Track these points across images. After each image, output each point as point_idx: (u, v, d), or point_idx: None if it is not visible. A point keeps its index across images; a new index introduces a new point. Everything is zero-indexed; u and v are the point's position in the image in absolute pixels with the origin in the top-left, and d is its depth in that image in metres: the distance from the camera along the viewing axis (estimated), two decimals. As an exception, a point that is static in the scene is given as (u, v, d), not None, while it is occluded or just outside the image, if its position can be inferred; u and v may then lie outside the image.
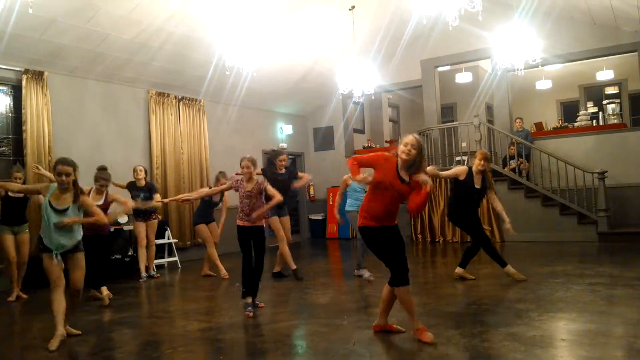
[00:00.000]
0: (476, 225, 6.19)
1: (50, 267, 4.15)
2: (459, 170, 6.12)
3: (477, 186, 6.00)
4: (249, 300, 5.08)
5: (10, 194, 6.35)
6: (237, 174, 5.38)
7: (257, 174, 7.26)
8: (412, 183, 3.83)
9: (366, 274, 6.40)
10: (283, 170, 6.86)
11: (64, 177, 4.12)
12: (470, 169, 6.04)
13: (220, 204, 7.61)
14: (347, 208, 6.84)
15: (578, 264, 7.01)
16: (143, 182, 7.49)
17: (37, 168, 6.86)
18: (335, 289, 6.36)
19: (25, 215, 6.60)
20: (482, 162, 5.94)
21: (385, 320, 4.12)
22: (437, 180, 10.35)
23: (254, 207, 5.03)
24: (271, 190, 5.04)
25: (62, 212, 4.14)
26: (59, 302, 4.13)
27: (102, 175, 5.84)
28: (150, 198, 7.39)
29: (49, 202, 4.15)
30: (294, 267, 6.83)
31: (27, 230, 6.59)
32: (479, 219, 6.35)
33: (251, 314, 4.92)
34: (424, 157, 3.90)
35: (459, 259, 6.39)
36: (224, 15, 7.35)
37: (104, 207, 5.88)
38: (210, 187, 7.47)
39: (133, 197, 7.49)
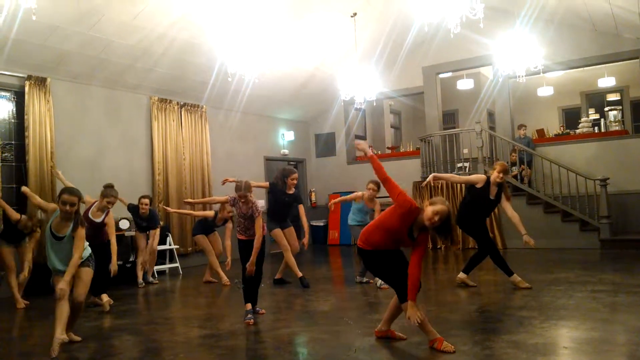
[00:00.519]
0: (484, 232, 6.17)
1: (56, 281, 4.19)
2: (478, 178, 6.07)
3: (492, 197, 5.96)
4: (249, 307, 5.08)
5: (19, 226, 6.34)
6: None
7: (264, 186, 7.29)
8: (417, 239, 3.78)
9: (379, 281, 6.36)
10: (292, 191, 6.83)
11: (68, 207, 4.10)
12: (488, 178, 5.97)
13: (220, 226, 7.55)
14: (350, 222, 6.88)
15: (580, 271, 6.98)
16: (147, 213, 7.52)
17: (58, 174, 6.92)
18: (336, 296, 6.34)
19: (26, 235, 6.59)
20: (500, 175, 5.88)
21: (388, 327, 4.10)
22: (445, 184, 10.35)
23: (249, 226, 5.14)
24: (258, 223, 5.04)
25: (59, 239, 4.17)
26: (61, 309, 4.12)
27: (112, 193, 5.80)
28: (148, 228, 7.56)
29: (50, 227, 4.19)
30: (299, 274, 6.80)
31: (28, 242, 6.55)
32: (486, 227, 6.32)
33: (251, 321, 4.91)
34: (450, 226, 3.66)
35: (464, 265, 6.37)
36: (227, 22, 7.39)
37: (101, 225, 5.81)
38: (215, 212, 7.51)
39: (135, 223, 7.73)
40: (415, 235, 3.76)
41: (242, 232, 5.20)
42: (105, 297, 5.89)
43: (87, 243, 4.38)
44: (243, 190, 5.04)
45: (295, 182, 6.82)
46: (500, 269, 6.10)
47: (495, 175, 5.90)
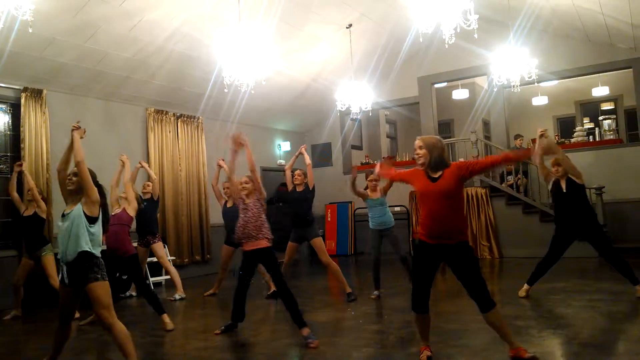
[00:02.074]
0: (595, 235, 5.60)
1: (61, 297, 3.72)
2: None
3: (564, 190, 5.64)
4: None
5: (24, 214, 6.32)
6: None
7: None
8: (446, 177, 3.59)
9: (376, 292, 6.32)
10: (301, 188, 6.62)
11: (72, 177, 3.66)
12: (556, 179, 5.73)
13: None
14: (372, 225, 6.49)
15: (578, 280, 6.98)
16: (148, 196, 7.38)
17: (140, 163, 7.15)
18: (334, 307, 6.31)
19: (44, 236, 6.46)
20: (554, 169, 5.65)
21: (513, 344, 3.64)
22: None
23: (249, 221, 4.74)
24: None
25: (64, 216, 3.63)
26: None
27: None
28: (145, 210, 7.11)
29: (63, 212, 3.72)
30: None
31: (51, 251, 6.34)
32: (597, 225, 5.68)
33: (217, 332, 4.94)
34: (442, 149, 3.66)
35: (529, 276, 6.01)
36: (223, 34, 7.42)
37: (122, 217, 5.49)
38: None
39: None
40: (438, 175, 3.61)
41: (245, 234, 4.71)
42: None
43: (99, 250, 3.68)
44: (247, 177, 4.78)
45: (297, 177, 6.60)
46: (626, 277, 5.57)
47: (553, 171, 5.65)
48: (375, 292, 6.45)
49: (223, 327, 5.01)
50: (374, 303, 6.13)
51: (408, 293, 6.19)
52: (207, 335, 5.01)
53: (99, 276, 3.56)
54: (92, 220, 3.58)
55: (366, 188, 6.57)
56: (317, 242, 6.53)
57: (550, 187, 5.80)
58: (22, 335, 5.68)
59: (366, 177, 6.65)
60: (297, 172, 6.70)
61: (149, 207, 7.29)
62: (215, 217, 10.29)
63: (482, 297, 3.58)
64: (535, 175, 10.19)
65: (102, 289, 3.55)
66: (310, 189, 6.58)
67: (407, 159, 12.86)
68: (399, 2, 8.49)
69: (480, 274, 3.62)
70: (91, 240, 3.56)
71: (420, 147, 3.69)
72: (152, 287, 6.69)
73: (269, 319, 5.69)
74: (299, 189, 6.64)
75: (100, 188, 3.74)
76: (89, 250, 3.54)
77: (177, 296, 7.20)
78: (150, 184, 7.48)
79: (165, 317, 5.34)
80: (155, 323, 5.93)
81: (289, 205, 6.79)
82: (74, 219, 3.54)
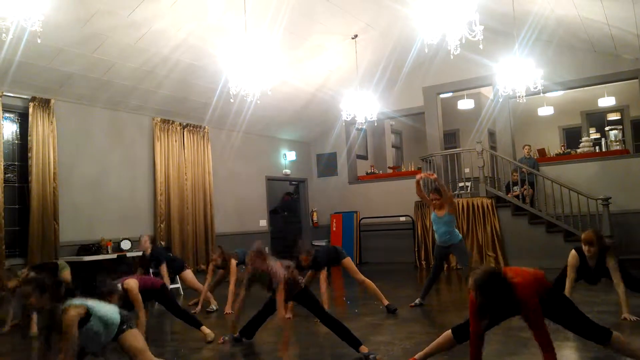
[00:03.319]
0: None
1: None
2: (570, 259, 5.32)
3: (592, 266, 5.26)
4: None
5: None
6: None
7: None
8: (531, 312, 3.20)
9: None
10: (307, 262, 6.05)
11: (24, 301, 3.25)
12: (579, 251, 5.29)
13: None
14: (438, 241, 6.36)
15: (584, 291, 6.91)
16: (149, 251, 7.19)
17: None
18: (338, 317, 6.27)
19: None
20: (585, 248, 5.19)
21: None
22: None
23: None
24: (280, 298, 4.38)
25: None
26: None
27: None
28: (157, 267, 7.16)
29: None
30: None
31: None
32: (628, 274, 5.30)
33: (223, 340, 5.00)
34: (488, 286, 3.10)
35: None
36: (229, 44, 7.48)
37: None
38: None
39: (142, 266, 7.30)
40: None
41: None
42: None
43: (115, 322, 3.38)
44: (252, 256, 4.45)
45: (305, 261, 5.96)
46: None
47: (585, 250, 5.22)
48: (417, 300, 6.37)
49: (227, 337, 5.02)
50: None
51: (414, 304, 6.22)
52: (210, 345, 5.00)
53: (125, 327, 3.39)
54: (82, 322, 3.19)
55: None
56: (347, 262, 6.33)
57: (573, 261, 5.32)
58: (24, 345, 5.69)
59: (428, 195, 6.47)
60: (302, 257, 5.99)
61: (157, 256, 7.16)
62: (220, 226, 10.34)
63: (592, 333, 3.34)
64: (541, 186, 10.17)
65: (131, 337, 3.39)
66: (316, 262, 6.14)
67: (412, 169, 12.88)
68: (404, 13, 8.53)
69: (579, 313, 3.37)
70: (102, 329, 3.29)
71: (474, 286, 3.14)
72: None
73: (272, 329, 5.67)
74: (305, 263, 6.06)
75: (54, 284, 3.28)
76: (111, 338, 3.34)
77: (213, 307, 7.10)
78: (147, 239, 7.25)
79: (205, 329, 5.19)
80: (158, 332, 5.94)
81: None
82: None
